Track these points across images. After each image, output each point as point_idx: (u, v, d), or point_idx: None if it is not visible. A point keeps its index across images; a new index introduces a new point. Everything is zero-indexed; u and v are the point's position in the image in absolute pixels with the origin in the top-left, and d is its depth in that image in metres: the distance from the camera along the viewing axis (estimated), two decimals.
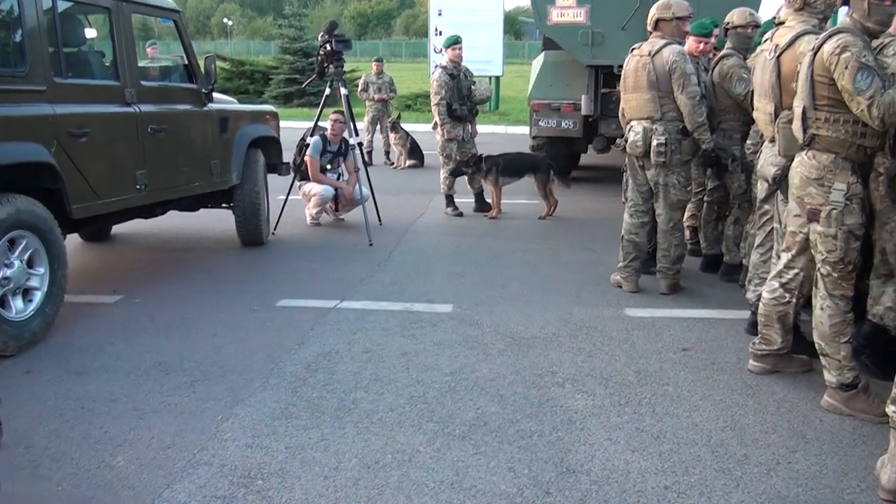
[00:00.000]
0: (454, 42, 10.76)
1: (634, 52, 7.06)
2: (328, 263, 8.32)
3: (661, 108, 6.90)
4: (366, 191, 10.19)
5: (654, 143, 6.85)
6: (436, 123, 10.96)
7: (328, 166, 10.27)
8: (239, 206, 8.84)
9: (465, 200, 11.99)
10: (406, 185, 13.96)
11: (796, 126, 4.88)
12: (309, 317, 6.65)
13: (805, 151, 4.85)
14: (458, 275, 7.93)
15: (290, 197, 10.53)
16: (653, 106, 6.93)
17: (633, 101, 7.04)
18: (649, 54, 6.84)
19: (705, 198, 8.10)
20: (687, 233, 8.55)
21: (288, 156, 10.42)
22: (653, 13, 7.02)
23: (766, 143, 5.71)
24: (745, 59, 7.46)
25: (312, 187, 10.24)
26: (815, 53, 4.71)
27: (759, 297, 5.91)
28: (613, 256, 8.28)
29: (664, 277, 7.35)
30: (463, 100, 10.85)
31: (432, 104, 10.70)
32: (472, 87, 10.89)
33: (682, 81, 6.80)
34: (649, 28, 7.07)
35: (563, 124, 12.81)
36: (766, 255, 6.02)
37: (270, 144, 9.30)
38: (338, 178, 10.32)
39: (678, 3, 6.99)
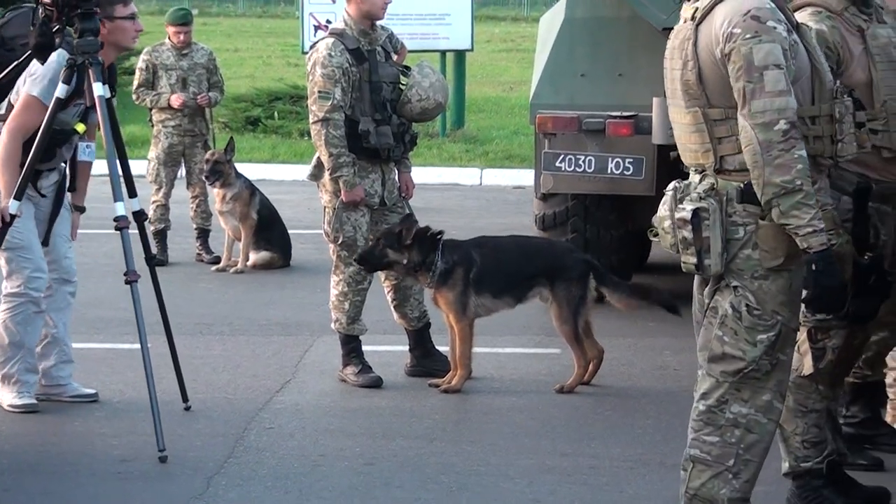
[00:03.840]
0: None
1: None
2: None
3: (718, 145, 4.76)
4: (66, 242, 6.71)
5: (677, 215, 4.83)
6: (318, 167, 7.41)
7: (75, 130, 6.50)
8: None
9: (389, 349, 8.10)
10: (247, 313, 9.30)
11: None
12: None
13: None
14: None
15: None
16: (698, 139, 4.82)
17: (676, 126, 5.09)
18: (693, 17, 4.84)
19: None
20: None
21: None
22: None
23: None
24: None
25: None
26: None
27: None
28: None
29: None
30: (383, 111, 7.61)
31: (310, 121, 7.39)
32: (404, 82, 7.59)
33: (747, 83, 4.68)
34: None
35: (614, 167, 8.85)
36: None
37: None
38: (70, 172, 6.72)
39: None
